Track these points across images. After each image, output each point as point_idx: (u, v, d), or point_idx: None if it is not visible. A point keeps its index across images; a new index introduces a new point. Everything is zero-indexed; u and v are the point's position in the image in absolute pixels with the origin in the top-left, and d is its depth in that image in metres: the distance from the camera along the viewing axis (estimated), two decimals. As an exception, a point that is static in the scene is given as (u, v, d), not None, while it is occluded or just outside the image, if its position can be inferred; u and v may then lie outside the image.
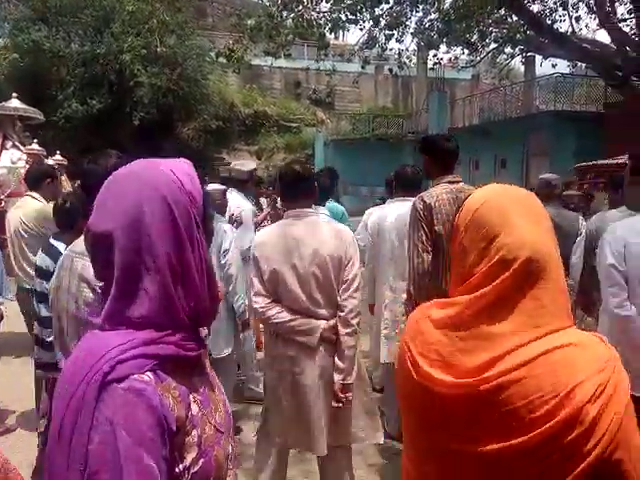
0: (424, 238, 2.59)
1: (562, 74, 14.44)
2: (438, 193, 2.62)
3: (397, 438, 3.14)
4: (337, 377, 2.20)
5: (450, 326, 0.88)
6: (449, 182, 2.67)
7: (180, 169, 0.90)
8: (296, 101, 23.90)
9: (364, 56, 12.23)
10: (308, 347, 2.21)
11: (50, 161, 7.21)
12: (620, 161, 5.43)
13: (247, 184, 4.13)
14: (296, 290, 2.20)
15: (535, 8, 11.13)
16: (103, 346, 0.77)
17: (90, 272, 1.21)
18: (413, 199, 2.74)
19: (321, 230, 2.26)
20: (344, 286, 2.22)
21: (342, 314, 2.22)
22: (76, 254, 1.71)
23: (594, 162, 5.16)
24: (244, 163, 4.48)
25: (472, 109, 18.17)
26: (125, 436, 0.71)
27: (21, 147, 6.80)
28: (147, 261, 0.81)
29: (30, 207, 3.64)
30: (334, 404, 2.20)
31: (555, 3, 11.37)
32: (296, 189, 2.28)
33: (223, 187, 3.79)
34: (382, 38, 11.72)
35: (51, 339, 2.21)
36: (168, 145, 17.88)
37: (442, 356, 0.87)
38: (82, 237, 1.56)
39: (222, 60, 11.21)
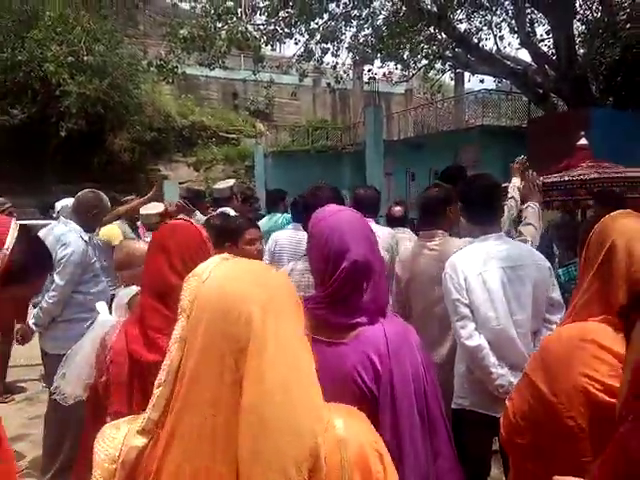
0: None
1: (488, 90, 15.18)
2: None
3: None
4: None
5: None
6: None
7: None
8: (234, 112, 23.62)
9: (301, 69, 12.31)
10: None
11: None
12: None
13: (231, 201, 4.00)
14: None
15: (462, 27, 11.67)
16: (409, 331, 1.33)
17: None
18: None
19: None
20: None
21: None
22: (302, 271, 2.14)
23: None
24: (220, 182, 4.40)
25: (407, 122, 18.70)
26: None
27: None
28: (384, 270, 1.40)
29: None
30: None
31: (481, 22, 11.97)
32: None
33: (161, 207, 3.88)
34: (318, 51, 11.87)
35: None
36: (97, 158, 17.15)
37: None
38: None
39: (154, 69, 10.90)
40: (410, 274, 2.64)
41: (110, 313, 1.88)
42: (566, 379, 1.09)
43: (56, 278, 3.02)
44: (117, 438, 0.78)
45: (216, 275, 0.78)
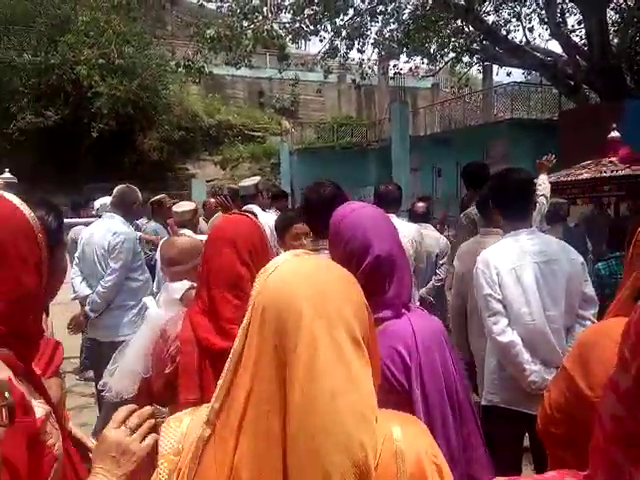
0: None
1: (518, 82, 14.87)
2: None
3: None
4: None
5: None
6: None
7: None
8: (260, 110, 23.79)
9: (327, 65, 12.31)
10: None
11: (-4, 180, 6.90)
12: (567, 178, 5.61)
13: (257, 198, 4.08)
14: None
15: (490, 19, 11.47)
16: (436, 324, 1.39)
17: None
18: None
19: None
20: None
21: None
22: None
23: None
24: (245, 179, 4.46)
25: (433, 117, 18.48)
26: None
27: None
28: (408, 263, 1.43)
29: None
30: None
31: (509, 14, 11.74)
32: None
33: (194, 205, 4.08)
34: (343, 48, 11.85)
35: None
36: (128, 157, 17.53)
37: None
38: None
39: (182, 70, 11.07)
40: (465, 269, 2.70)
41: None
42: (602, 373, 1.05)
43: (111, 263, 3.28)
44: (180, 430, 0.81)
45: (281, 271, 0.79)
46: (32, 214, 0.96)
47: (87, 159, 16.75)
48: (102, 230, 3.36)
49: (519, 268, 2.12)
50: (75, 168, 16.41)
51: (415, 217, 4.13)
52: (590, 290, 2.19)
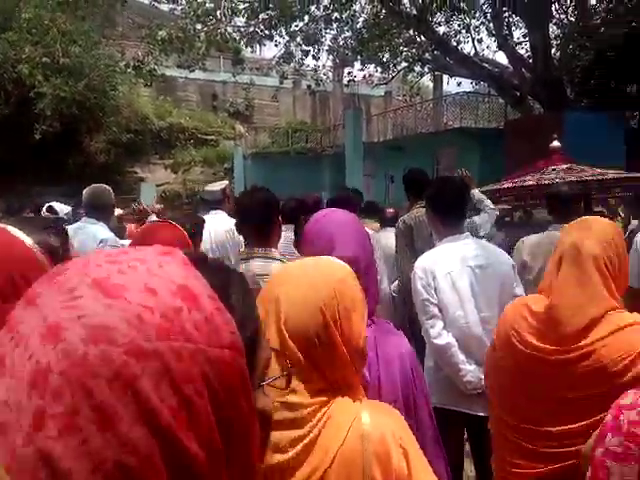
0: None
1: (467, 92, 15.38)
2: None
3: None
4: None
5: None
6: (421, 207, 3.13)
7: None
8: (213, 114, 23.41)
9: (282, 71, 12.30)
10: None
11: None
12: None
13: (223, 203, 3.90)
14: None
15: (441, 30, 11.82)
16: (400, 338, 1.37)
17: None
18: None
19: None
20: None
21: None
22: None
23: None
24: (212, 184, 4.22)
25: (386, 125, 18.80)
26: None
27: None
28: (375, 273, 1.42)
29: None
30: None
31: (459, 25, 12.14)
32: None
33: (120, 210, 3.91)
34: (299, 54, 11.89)
35: None
36: (72, 159, 16.82)
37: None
38: None
39: (132, 71, 10.76)
40: (542, 264, 2.75)
41: None
42: (502, 330, 1.53)
43: None
44: None
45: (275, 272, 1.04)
46: (31, 242, 0.98)
47: (30, 162, 15.92)
48: (85, 237, 2.95)
49: (454, 273, 2.20)
50: (18, 171, 15.57)
51: (385, 221, 4.35)
52: (520, 291, 2.30)
